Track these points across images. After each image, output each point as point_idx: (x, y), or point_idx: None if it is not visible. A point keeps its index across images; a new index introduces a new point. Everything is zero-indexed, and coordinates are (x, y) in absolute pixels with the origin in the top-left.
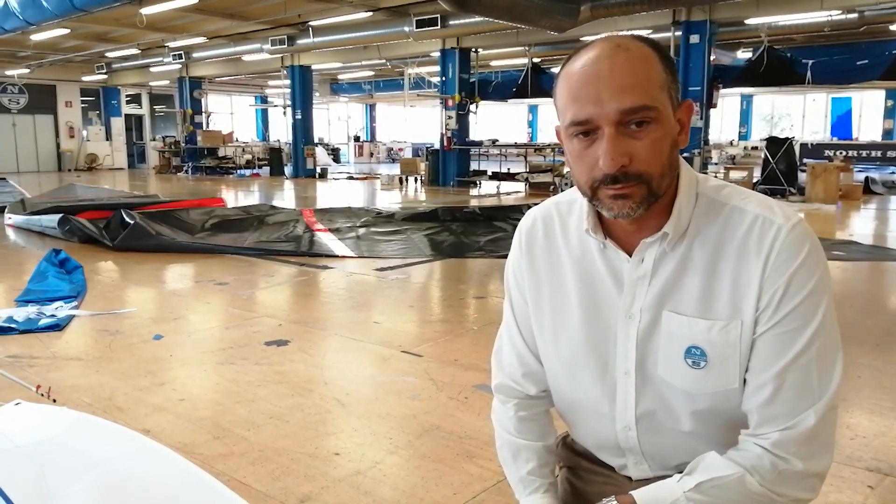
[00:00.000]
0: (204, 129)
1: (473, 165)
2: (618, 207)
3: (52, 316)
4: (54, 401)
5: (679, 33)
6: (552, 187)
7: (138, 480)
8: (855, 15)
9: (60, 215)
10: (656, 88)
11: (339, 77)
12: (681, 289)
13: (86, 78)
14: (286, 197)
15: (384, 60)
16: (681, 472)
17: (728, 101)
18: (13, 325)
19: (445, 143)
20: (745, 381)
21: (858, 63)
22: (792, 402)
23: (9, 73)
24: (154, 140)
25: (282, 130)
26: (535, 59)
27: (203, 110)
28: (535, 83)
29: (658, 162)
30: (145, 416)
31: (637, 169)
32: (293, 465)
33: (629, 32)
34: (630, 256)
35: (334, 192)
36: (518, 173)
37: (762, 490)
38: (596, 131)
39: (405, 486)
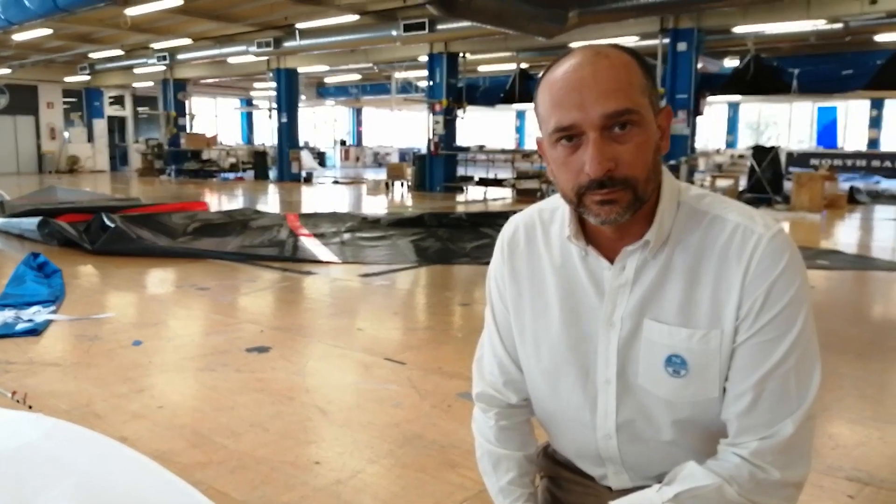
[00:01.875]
0: (188, 131)
1: (460, 171)
2: (605, 213)
3: (30, 321)
4: (30, 407)
5: (667, 41)
6: (539, 193)
7: (116, 489)
8: (840, 25)
9: (40, 218)
10: (638, 93)
11: (326, 80)
12: (662, 297)
13: (68, 79)
14: (270, 201)
15: (371, 64)
16: (660, 482)
17: (715, 108)
18: None
19: (432, 149)
20: (724, 390)
21: (844, 73)
22: (770, 411)
23: None
24: (137, 142)
25: (267, 134)
26: (524, 65)
27: (187, 113)
28: (523, 89)
29: (643, 166)
30: (123, 423)
31: (623, 173)
32: (273, 473)
33: (620, 42)
34: (611, 264)
35: (319, 197)
36: (505, 179)
37: (740, 500)
38: (580, 137)
39: (386, 495)
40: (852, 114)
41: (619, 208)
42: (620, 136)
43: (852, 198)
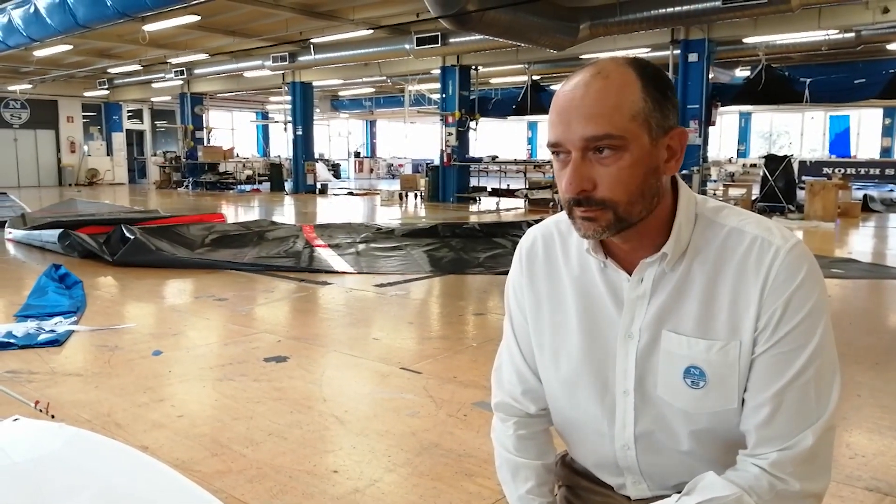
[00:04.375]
0: (205, 144)
1: (473, 181)
2: (584, 228)
3: (52, 331)
4: (53, 417)
5: (678, 52)
6: (551, 204)
7: (136, 497)
8: (852, 34)
9: (61, 230)
10: (625, 118)
11: (340, 93)
12: (680, 309)
13: (88, 93)
14: (286, 212)
15: (385, 77)
16: (679, 492)
17: (727, 118)
18: (12, 341)
19: (445, 160)
20: (743, 401)
21: (856, 82)
22: (790, 422)
23: (11, 88)
24: (155, 155)
25: (282, 146)
26: (535, 77)
27: (204, 126)
28: (535, 100)
29: (624, 190)
30: (144, 432)
31: (600, 195)
32: (291, 482)
33: (631, 53)
34: (630, 276)
35: (334, 208)
36: (517, 190)
37: None
38: (568, 154)
39: None
40: (865, 122)
41: (597, 226)
42: (603, 158)
43: (866, 206)
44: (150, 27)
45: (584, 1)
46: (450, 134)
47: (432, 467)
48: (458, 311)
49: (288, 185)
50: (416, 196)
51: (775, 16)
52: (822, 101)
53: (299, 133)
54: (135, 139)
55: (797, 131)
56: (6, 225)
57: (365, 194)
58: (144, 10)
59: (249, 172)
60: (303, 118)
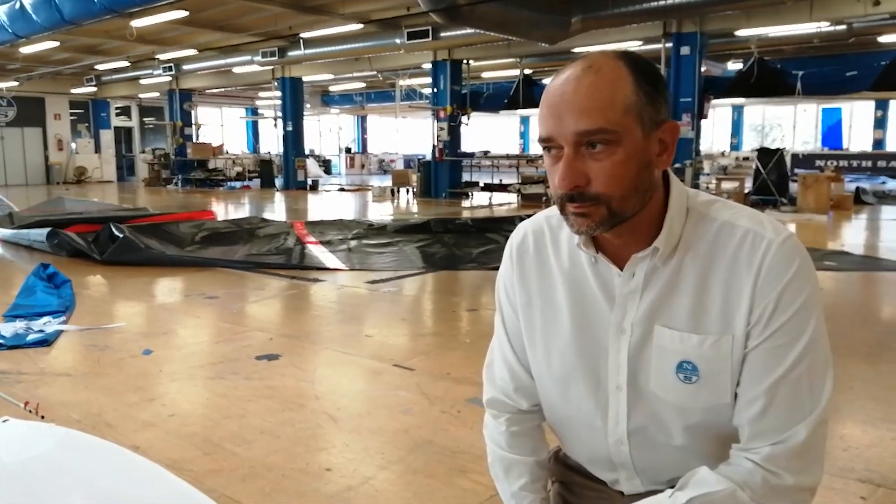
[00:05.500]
0: (194, 141)
1: (465, 177)
2: (577, 224)
3: (41, 331)
4: (42, 417)
5: (670, 45)
6: (544, 198)
7: (128, 498)
8: (843, 27)
9: (49, 229)
10: (619, 112)
11: (331, 89)
12: (672, 303)
13: (75, 90)
14: (277, 209)
15: (375, 72)
16: (673, 487)
17: (719, 111)
18: (0, 341)
19: (437, 155)
20: (736, 395)
21: (848, 74)
22: (783, 416)
23: None
24: (143, 152)
25: (272, 142)
26: (527, 71)
27: (193, 122)
28: (527, 94)
29: (618, 184)
30: (134, 432)
31: (594, 190)
32: (284, 480)
33: (623, 46)
34: (621, 270)
35: (325, 205)
36: (510, 184)
37: None
38: (560, 149)
39: (397, 501)
40: (857, 115)
41: (591, 222)
42: (596, 153)
43: (858, 199)
44: (137, 23)
45: None
46: (441, 129)
47: (426, 464)
48: (450, 308)
49: (278, 182)
50: (407, 192)
51: (767, 8)
52: (814, 93)
53: (289, 129)
54: (123, 136)
55: (789, 124)
56: None
57: (356, 190)
58: (132, 5)
59: (239, 169)
60: (293, 114)
